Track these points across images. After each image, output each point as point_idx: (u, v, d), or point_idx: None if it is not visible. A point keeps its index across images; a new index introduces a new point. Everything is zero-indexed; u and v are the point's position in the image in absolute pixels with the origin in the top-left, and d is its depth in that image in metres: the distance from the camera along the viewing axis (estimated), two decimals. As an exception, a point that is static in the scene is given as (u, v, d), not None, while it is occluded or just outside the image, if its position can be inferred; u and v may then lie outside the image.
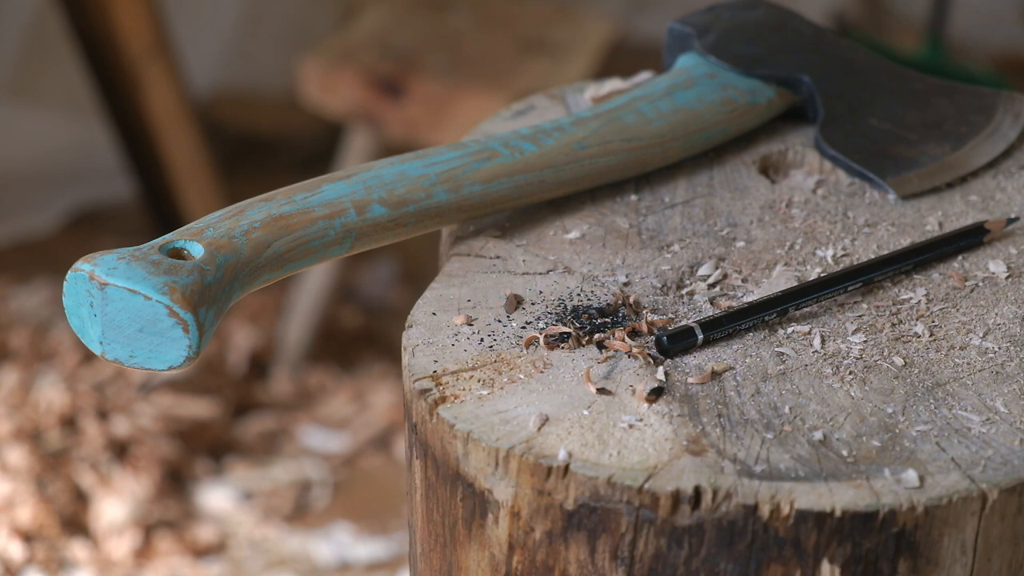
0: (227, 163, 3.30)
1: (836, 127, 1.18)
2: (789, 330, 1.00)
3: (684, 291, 1.03)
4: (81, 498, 2.42)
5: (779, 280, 1.04)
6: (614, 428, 0.91)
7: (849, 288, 1.02)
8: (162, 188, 2.99)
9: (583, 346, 0.98)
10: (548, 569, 0.91)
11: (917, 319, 1.01)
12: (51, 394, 2.56)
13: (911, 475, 0.88)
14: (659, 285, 1.04)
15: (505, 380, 0.95)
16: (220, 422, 2.63)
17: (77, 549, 2.34)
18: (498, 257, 1.06)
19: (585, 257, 1.06)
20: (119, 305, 0.93)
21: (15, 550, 2.31)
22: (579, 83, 1.29)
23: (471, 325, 0.99)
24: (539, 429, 0.91)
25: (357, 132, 2.69)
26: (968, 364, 0.97)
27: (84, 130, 3.28)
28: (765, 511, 0.86)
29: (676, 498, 0.87)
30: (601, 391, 0.94)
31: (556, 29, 2.86)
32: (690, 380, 0.95)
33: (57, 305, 2.82)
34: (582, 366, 0.96)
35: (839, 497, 0.86)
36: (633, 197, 1.13)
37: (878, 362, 0.97)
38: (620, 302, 1.01)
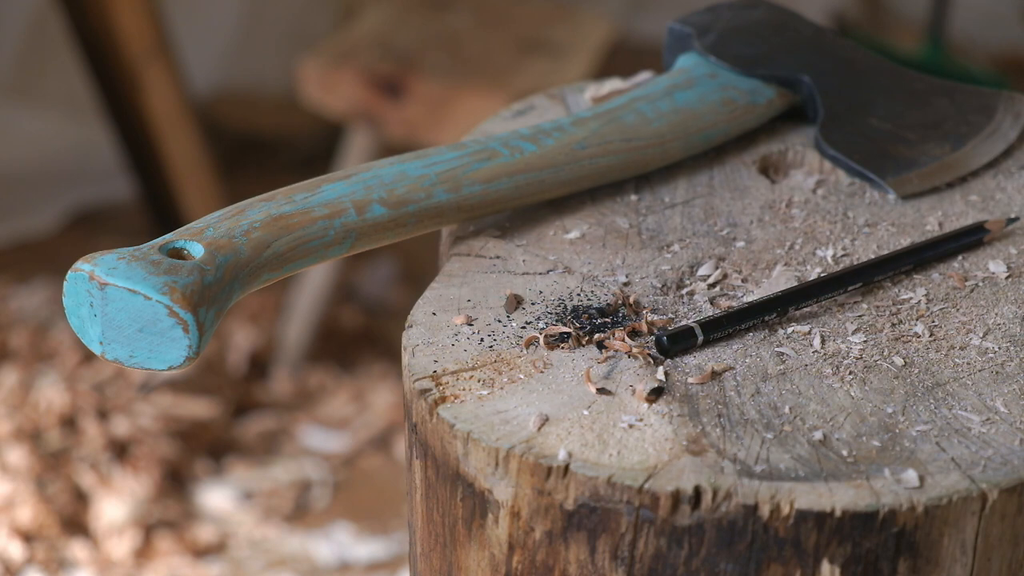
0: (227, 163, 3.30)
1: (836, 127, 1.18)
2: (789, 330, 1.00)
3: (684, 291, 1.03)
4: (81, 498, 2.42)
5: (779, 280, 1.04)
6: (614, 428, 0.91)
7: (849, 288, 1.02)
8: (162, 188, 2.99)
9: (583, 346, 0.98)
10: (548, 569, 0.91)
11: (917, 319, 1.01)
12: (51, 394, 2.56)
13: (911, 475, 0.88)
14: (659, 285, 1.04)
15: (505, 380, 0.95)
16: (220, 422, 2.63)
17: (77, 549, 2.34)
18: (498, 257, 1.06)
19: (585, 257, 1.06)
20: (119, 305, 0.93)
21: (15, 550, 2.31)
22: (579, 83, 1.29)
23: (471, 325, 0.99)
24: (539, 429, 0.91)
25: (357, 132, 2.69)
26: (968, 364, 0.97)
27: (84, 130, 3.28)
28: (765, 511, 0.86)
29: (676, 498, 0.87)
30: (601, 391, 0.94)
31: (556, 29, 2.86)
32: (690, 380, 0.95)
33: (57, 305, 2.82)
34: (582, 366, 0.96)
35: (839, 497, 0.86)
36: (633, 197, 1.13)
37: (878, 362, 0.97)
38: (620, 302, 1.01)
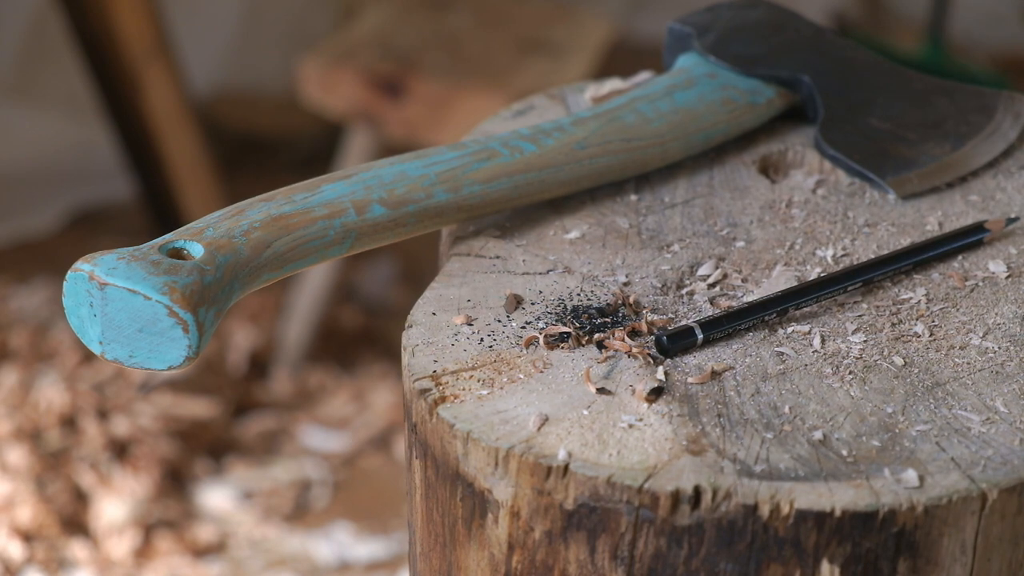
0: (227, 163, 3.30)
1: (836, 127, 1.18)
2: (789, 330, 1.00)
3: (684, 291, 1.03)
4: (81, 498, 2.42)
5: (779, 280, 1.04)
6: (614, 428, 0.91)
7: (849, 288, 1.02)
8: (162, 188, 2.99)
9: (583, 346, 0.98)
10: (548, 569, 0.91)
11: (917, 319, 1.01)
12: (51, 394, 2.56)
13: (911, 475, 0.88)
14: (659, 285, 1.04)
15: (505, 380, 0.95)
16: (220, 422, 2.63)
17: (77, 549, 2.34)
18: (498, 257, 1.06)
19: (585, 257, 1.06)
20: (119, 305, 0.93)
21: (15, 550, 2.31)
22: (579, 83, 1.29)
23: (471, 325, 0.99)
24: (539, 429, 0.91)
25: (357, 132, 2.69)
26: (968, 364, 0.97)
27: (84, 130, 3.28)
28: (765, 511, 0.86)
29: (676, 498, 0.87)
30: (601, 391, 0.94)
31: (556, 29, 2.86)
32: (690, 380, 0.95)
33: (57, 305, 2.82)
34: (582, 366, 0.96)
35: (839, 497, 0.86)
36: (633, 197, 1.13)
37: (878, 362, 0.97)
38: (620, 302, 1.01)
